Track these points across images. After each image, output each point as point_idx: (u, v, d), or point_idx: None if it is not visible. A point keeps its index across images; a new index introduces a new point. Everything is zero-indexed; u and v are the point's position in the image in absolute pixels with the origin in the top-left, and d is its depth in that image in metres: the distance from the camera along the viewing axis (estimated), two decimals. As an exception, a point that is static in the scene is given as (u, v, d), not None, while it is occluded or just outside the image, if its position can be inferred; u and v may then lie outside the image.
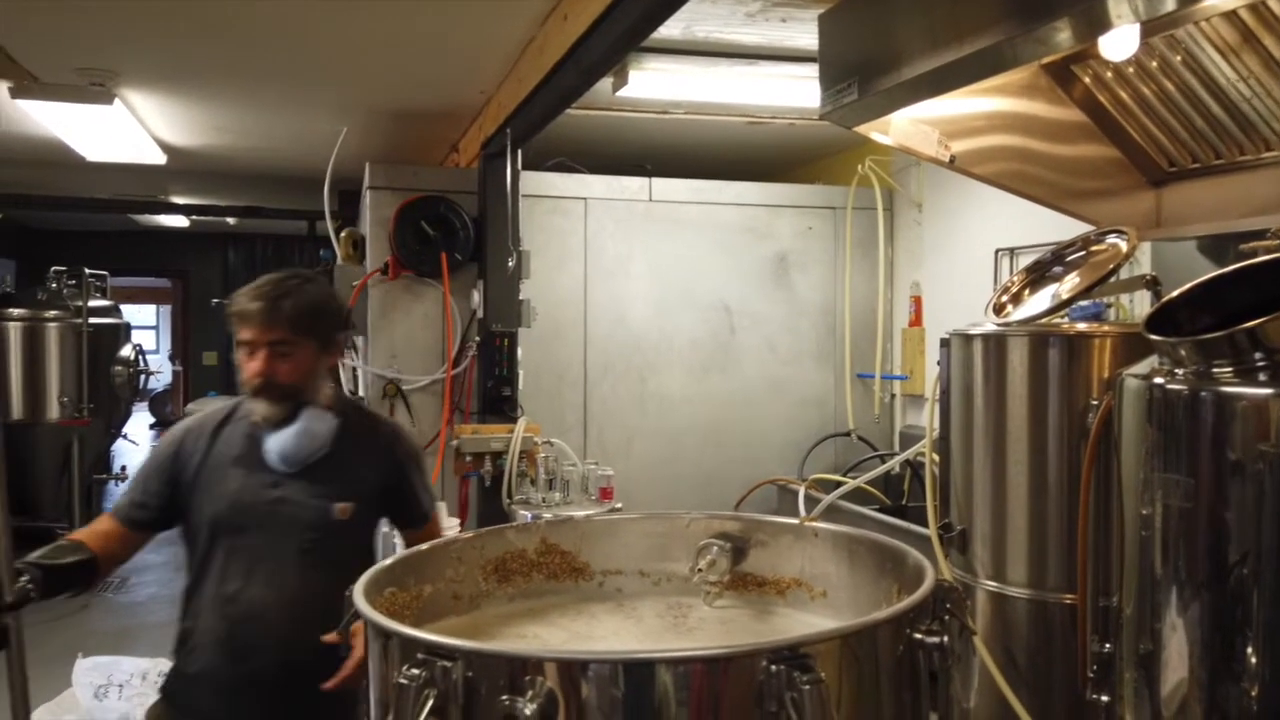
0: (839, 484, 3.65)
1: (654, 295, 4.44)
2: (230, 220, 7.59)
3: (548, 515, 3.26)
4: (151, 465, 2.01)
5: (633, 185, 4.40)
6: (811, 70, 3.37)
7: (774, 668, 0.92)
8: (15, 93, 3.50)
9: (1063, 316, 2.18)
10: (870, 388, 4.56)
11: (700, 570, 1.50)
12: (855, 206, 4.56)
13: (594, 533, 1.59)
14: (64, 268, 6.58)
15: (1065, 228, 2.52)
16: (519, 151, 3.89)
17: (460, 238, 4.09)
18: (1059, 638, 1.98)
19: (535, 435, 3.83)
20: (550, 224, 4.27)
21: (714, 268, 4.52)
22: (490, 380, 3.98)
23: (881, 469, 3.63)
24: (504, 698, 0.94)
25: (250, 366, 1.93)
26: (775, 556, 1.51)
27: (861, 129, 2.28)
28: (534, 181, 4.15)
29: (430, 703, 0.96)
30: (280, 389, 1.92)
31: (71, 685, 3.24)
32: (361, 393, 4.12)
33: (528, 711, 0.93)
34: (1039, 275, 2.27)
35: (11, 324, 6.18)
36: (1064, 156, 2.54)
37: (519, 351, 4.01)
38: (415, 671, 0.97)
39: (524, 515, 3.36)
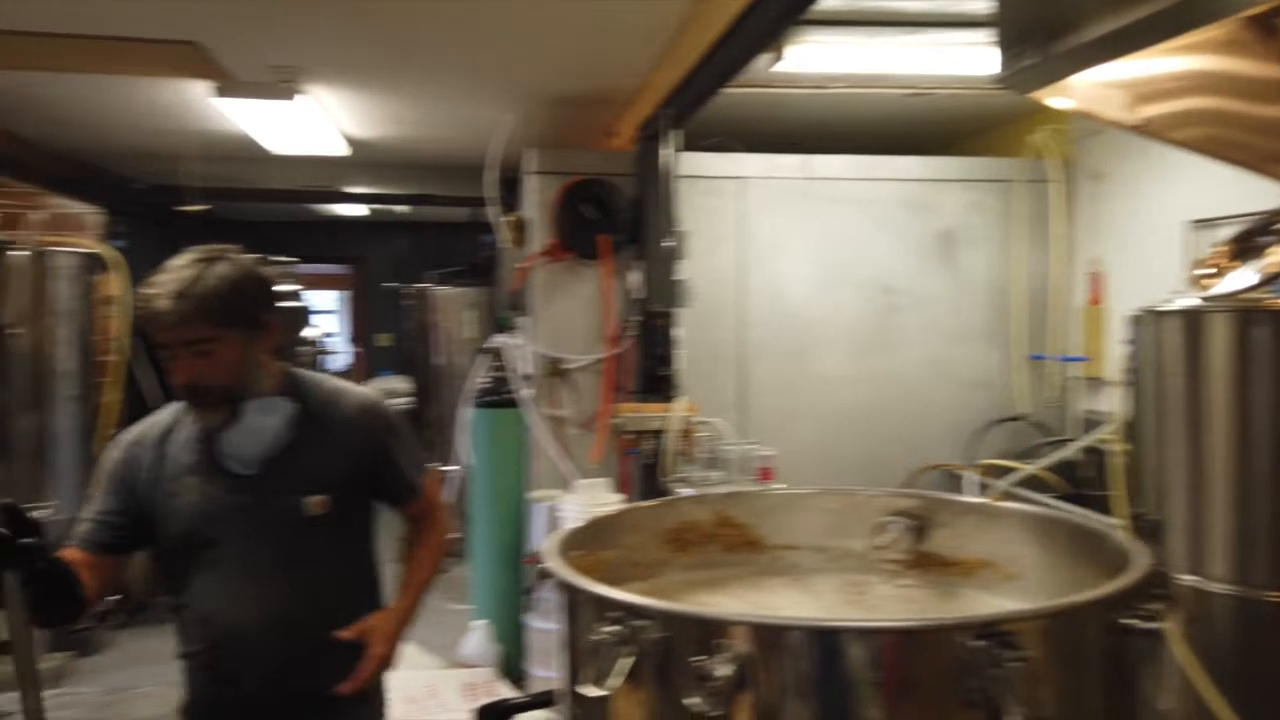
0: (1010, 470, 3.50)
1: (812, 274, 4.38)
2: (403, 209, 7.99)
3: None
4: (103, 483, 1.79)
5: (789, 163, 4.35)
6: (981, 36, 3.23)
7: (976, 643, 0.90)
8: (220, 92, 3.81)
9: (1272, 291, 2.01)
10: (1043, 370, 4.34)
11: (880, 547, 1.48)
12: (1027, 179, 4.33)
13: (769, 507, 1.59)
14: (253, 255, 7.12)
15: (1267, 197, 2.31)
16: (676, 132, 3.92)
17: (619, 220, 4.15)
18: (1266, 637, 1.85)
19: (693, 415, 3.86)
20: (706, 204, 4.27)
21: (874, 245, 4.41)
22: (649, 360, 4.03)
23: (1059, 454, 3.45)
24: (698, 658, 0.96)
25: (175, 374, 1.68)
26: (960, 536, 1.46)
27: (1040, 95, 2.16)
28: (690, 162, 4.16)
29: (627, 660, 1.00)
30: (211, 392, 1.68)
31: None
32: (527, 372, 4.26)
33: (723, 673, 0.94)
34: (1244, 247, 2.10)
35: (210, 308, 6.72)
36: (1272, 118, 2.33)
37: (677, 331, 4.05)
38: (612, 629, 1.00)
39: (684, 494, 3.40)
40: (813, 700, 0.96)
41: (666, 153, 3.95)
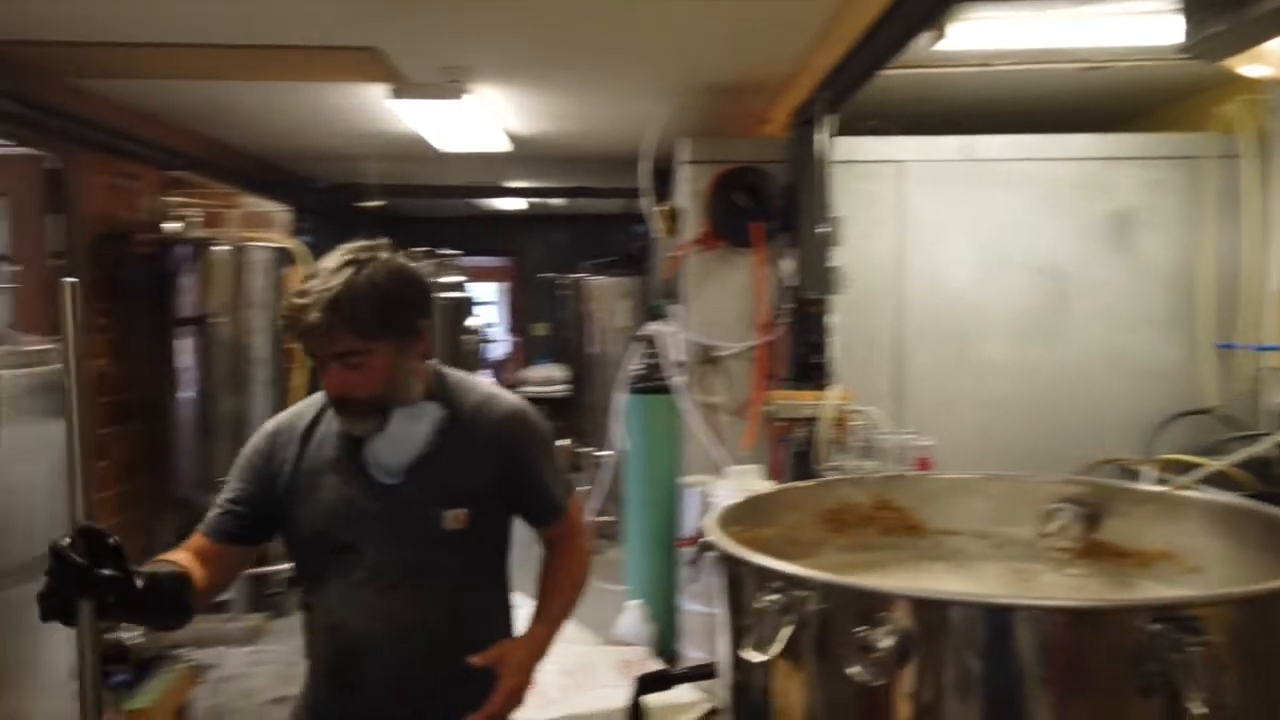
0: (1194, 465, 3.28)
1: (973, 259, 4.22)
2: (559, 202, 8.24)
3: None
4: (240, 470, 1.73)
5: (949, 145, 4.20)
6: (1163, 3, 3.02)
7: (1155, 627, 0.88)
8: (395, 94, 4.06)
9: None
10: (1232, 360, 4.02)
11: (1047, 535, 1.44)
12: (1216, 155, 4.02)
13: (931, 491, 1.57)
14: (422, 249, 7.56)
15: None
16: (831, 117, 3.86)
17: (772, 207, 4.14)
18: None
19: (847, 403, 3.81)
20: (862, 189, 4.19)
21: (1041, 229, 4.20)
22: (802, 347, 4.01)
23: (1249, 450, 3.19)
24: (859, 629, 0.97)
25: (324, 382, 1.63)
26: (1136, 526, 1.40)
27: (1231, 63, 2.01)
28: (845, 147, 4.10)
29: (787, 629, 1.02)
30: (360, 404, 1.61)
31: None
32: (679, 359, 4.32)
33: (885, 645, 0.96)
34: None
35: (382, 299, 7.20)
36: None
37: (831, 318, 4.00)
38: (774, 598, 1.03)
39: (837, 481, 3.37)
40: (978, 679, 0.96)
41: (821, 138, 3.91)
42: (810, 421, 3.81)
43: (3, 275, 3.56)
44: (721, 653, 1.20)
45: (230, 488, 1.71)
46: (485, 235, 10.02)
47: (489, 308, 11.10)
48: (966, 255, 4.22)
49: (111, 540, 1.36)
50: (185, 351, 4.69)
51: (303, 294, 1.56)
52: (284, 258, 5.06)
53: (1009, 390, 4.21)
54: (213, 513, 1.71)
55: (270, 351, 4.95)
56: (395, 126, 4.95)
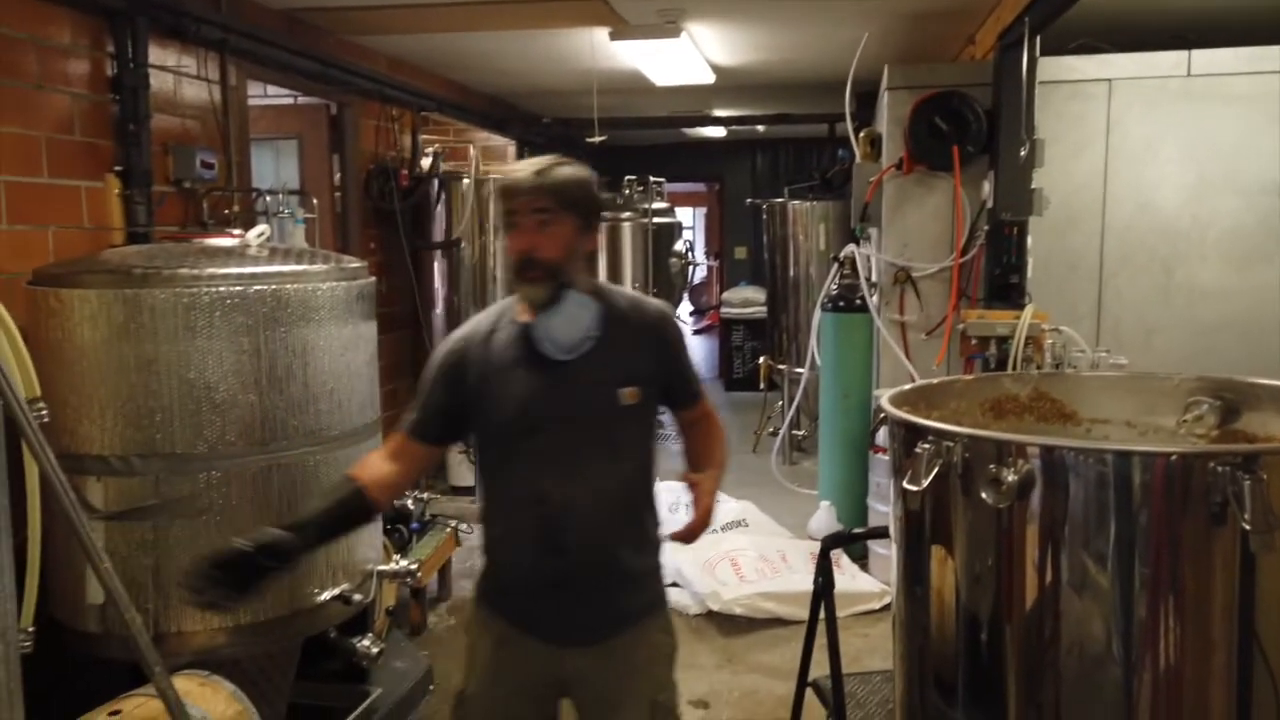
0: None
1: (1186, 180, 4.15)
2: (759, 129, 8.47)
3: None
4: (434, 378, 1.95)
5: (1166, 60, 4.11)
6: None
7: (1220, 468, 1.15)
8: (614, 36, 4.46)
9: None
10: None
11: (1186, 422, 1.67)
12: None
13: (1084, 385, 1.83)
14: (633, 176, 8.07)
15: None
16: (1037, 38, 3.89)
17: (972, 130, 4.23)
18: None
19: (1042, 322, 3.92)
20: (1068, 110, 4.19)
21: (1267, 147, 4.05)
22: (997, 268, 4.13)
23: None
24: (991, 466, 1.31)
25: (514, 243, 1.86)
26: (1267, 418, 1.61)
27: None
28: (1052, 67, 4.10)
29: (935, 469, 1.37)
30: (543, 265, 1.83)
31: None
32: (875, 280, 4.56)
33: (1009, 479, 1.28)
34: None
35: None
36: None
37: (1028, 240, 4.09)
38: (926, 446, 1.38)
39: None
40: (1080, 506, 1.27)
41: (1028, 59, 3.94)
42: (1003, 341, 3.95)
43: (295, 205, 4.31)
44: (892, 493, 1.56)
45: (425, 394, 1.95)
46: (688, 162, 10.38)
47: (691, 232, 11.53)
48: (1179, 176, 4.15)
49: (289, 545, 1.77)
50: (437, 271, 5.45)
51: (514, 167, 1.94)
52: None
53: (1220, 314, 4.15)
54: (411, 416, 1.96)
55: (505, 273, 5.62)
56: (613, 64, 5.37)
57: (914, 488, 1.37)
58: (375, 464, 1.97)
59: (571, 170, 1.88)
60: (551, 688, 1.97)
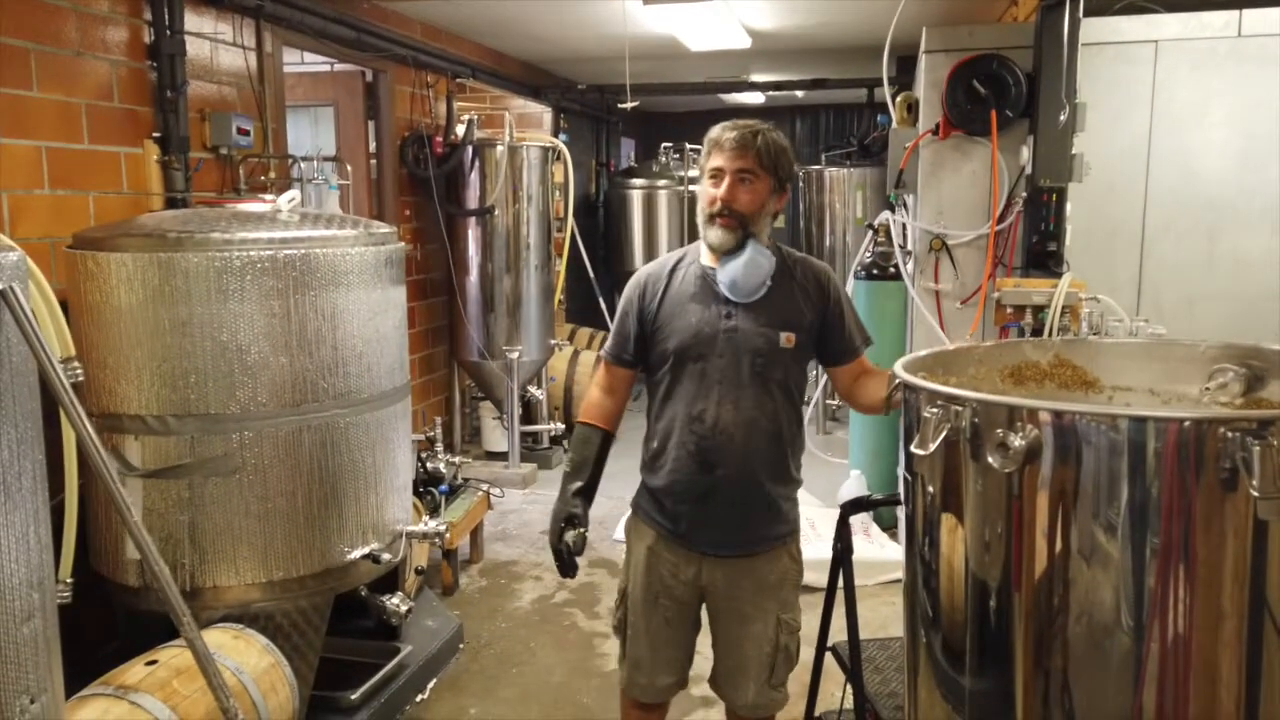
0: None
1: (1234, 146, 4.02)
2: (798, 94, 8.35)
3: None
4: (626, 310, 2.24)
5: (1216, 21, 3.96)
6: None
7: (1231, 434, 1.13)
8: (646, 0, 4.42)
9: None
10: None
11: (1210, 390, 1.64)
12: None
13: (1107, 352, 1.80)
14: (669, 144, 8.03)
15: None
16: (1081, -1, 3.78)
17: (1012, 94, 4.13)
18: None
19: (1080, 291, 3.85)
20: (1112, 73, 4.07)
21: (1321, 111, 3.91)
22: (1035, 236, 4.05)
23: None
24: (999, 431, 1.30)
25: (714, 192, 2.09)
26: (1293, 385, 1.58)
27: None
28: (1096, 28, 3.98)
29: (944, 433, 1.36)
30: (737, 216, 2.07)
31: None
32: (909, 246, 4.49)
33: (1016, 443, 1.27)
34: None
35: (633, 191, 7.83)
36: None
37: (1067, 207, 4.00)
38: (935, 410, 1.37)
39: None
40: (1090, 471, 1.26)
41: (1070, 20, 3.83)
42: (1039, 310, 3.88)
43: (330, 172, 4.36)
44: (903, 456, 1.56)
45: (618, 323, 2.26)
46: (727, 129, 10.26)
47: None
48: (1227, 142, 4.02)
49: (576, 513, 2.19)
50: (471, 239, 5.47)
51: (728, 126, 2.11)
52: (550, 155, 5.66)
53: (1266, 285, 4.03)
54: (609, 345, 2.28)
55: (539, 239, 5.63)
56: (647, 29, 5.32)
57: (921, 452, 1.37)
58: (599, 403, 2.29)
59: (776, 137, 2.12)
60: (693, 592, 2.21)
